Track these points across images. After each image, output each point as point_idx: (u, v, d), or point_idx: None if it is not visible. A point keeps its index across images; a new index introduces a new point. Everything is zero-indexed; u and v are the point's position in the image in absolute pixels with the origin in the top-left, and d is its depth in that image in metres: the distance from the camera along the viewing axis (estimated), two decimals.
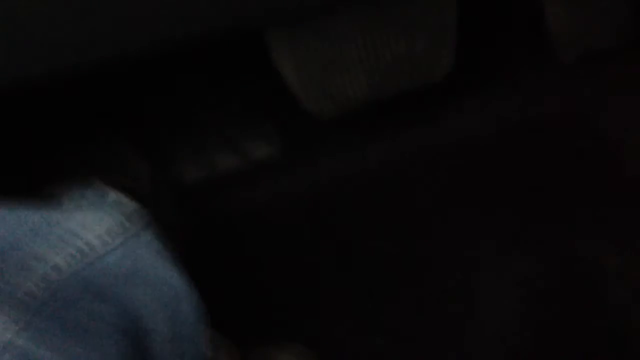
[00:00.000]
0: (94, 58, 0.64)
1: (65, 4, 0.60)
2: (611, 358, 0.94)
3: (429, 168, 1.08)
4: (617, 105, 1.07)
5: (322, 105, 0.86)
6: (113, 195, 0.67)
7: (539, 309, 0.98)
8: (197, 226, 1.03)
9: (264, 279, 1.02)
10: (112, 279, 0.58)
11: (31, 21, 0.60)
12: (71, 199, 0.69)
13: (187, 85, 1.02)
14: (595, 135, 1.07)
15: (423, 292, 1.00)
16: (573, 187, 1.04)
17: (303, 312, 0.98)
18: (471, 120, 1.07)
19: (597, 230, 1.00)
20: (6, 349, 0.52)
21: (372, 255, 1.02)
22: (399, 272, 1.01)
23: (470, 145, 1.07)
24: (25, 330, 0.53)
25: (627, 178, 1.04)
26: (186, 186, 1.03)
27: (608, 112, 1.07)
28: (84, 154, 0.88)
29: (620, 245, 0.99)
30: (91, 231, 0.59)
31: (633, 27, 0.96)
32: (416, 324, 0.98)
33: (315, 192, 1.08)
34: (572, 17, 0.93)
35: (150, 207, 0.85)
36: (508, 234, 1.02)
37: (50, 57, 0.63)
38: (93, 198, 0.69)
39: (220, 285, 0.99)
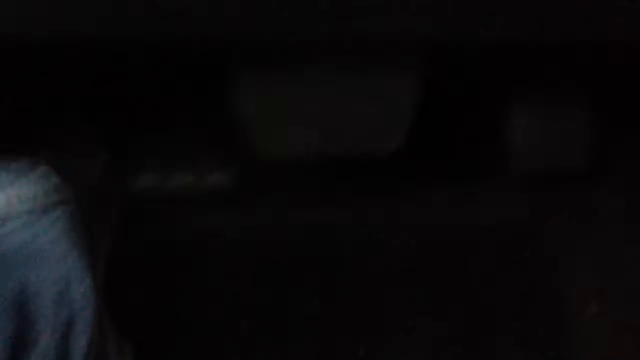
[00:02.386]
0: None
1: None
2: None
3: (374, 243, 1.10)
4: (560, 227, 1.09)
5: (270, 148, 0.88)
6: (43, 168, 0.69)
7: None
8: (132, 235, 1.05)
9: (183, 305, 1.04)
10: (4, 246, 0.59)
11: None
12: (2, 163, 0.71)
13: (163, 95, 1.05)
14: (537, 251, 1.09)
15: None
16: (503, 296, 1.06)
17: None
18: (418, 207, 1.10)
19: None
20: None
21: (304, 312, 1.04)
22: (326, 328, 1.03)
23: (414, 232, 1.10)
24: None
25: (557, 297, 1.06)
26: (134, 192, 1.05)
27: (550, 232, 1.09)
28: (43, 124, 0.90)
29: None
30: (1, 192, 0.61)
31: (597, 153, 0.98)
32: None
33: (262, 234, 1.10)
34: (532, 133, 0.95)
35: (92, 194, 0.87)
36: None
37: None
38: (23, 167, 0.70)
39: (142, 301, 1.01)
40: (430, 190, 1.11)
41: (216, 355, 0.99)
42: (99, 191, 0.90)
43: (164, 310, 1.01)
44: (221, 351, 1.00)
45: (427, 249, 1.09)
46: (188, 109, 1.04)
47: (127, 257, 0.98)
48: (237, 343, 1.01)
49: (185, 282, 1.05)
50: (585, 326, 0.99)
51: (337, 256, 1.08)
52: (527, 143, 0.97)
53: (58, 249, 0.64)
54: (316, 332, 1.02)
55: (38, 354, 0.64)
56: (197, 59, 0.99)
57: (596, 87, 0.96)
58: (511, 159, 0.98)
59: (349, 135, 0.88)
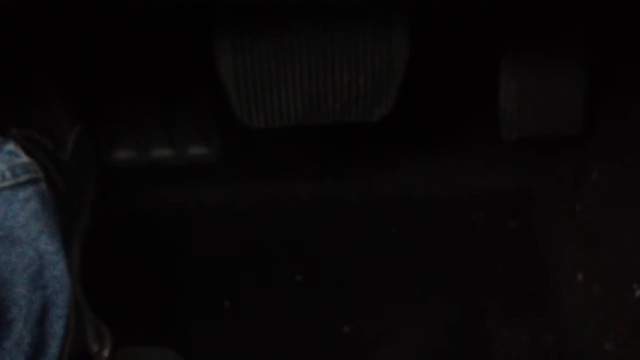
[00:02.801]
0: None
1: None
2: None
3: (359, 214, 1.08)
4: (546, 197, 1.08)
5: (253, 115, 0.86)
6: (11, 146, 0.66)
7: None
8: (114, 209, 1.03)
9: (161, 276, 1.01)
10: None
11: None
12: None
13: (142, 70, 1.02)
14: (524, 219, 1.08)
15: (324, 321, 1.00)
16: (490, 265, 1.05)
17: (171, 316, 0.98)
18: (405, 178, 1.08)
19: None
20: None
21: (286, 284, 1.02)
22: (307, 302, 1.01)
23: (402, 203, 1.08)
24: None
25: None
26: (113, 164, 1.02)
27: (535, 199, 1.08)
28: (12, 101, 0.87)
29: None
30: None
31: (580, 120, 0.97)
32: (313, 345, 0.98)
33: (245, 207, 1.07)
34: (522, 98, 0.94)
35: (65, 171, 0.84)
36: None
37: None
38: None
39: (117, 273, 0.99)
40: (416, 159, 1.10)
41: (200, 335, 0.97)
42: (72, 167, 0.87)
43: (144, 289, 0.99)
44: (204, 331, 0.98)
45: (412, 221, 1.08)
46: (166, 79, 1.02)
47: (105, 234, 0.96)
48: (220, 322, 0.99)
49: (166, 259, 1.03)
50: (570, 296, 0.99)
51: (321, 231, 1.07)
52: (514, 110, 0.95)
53: (29, 231, 0.61)
54: (300, 309, 1.00)
55: (12, 341, 0.61)
56: (175, 27, 0.96)
57: (586, 49, 0.94)
58: (499, 127, 0.96)
59: (334, 104, 0.86)
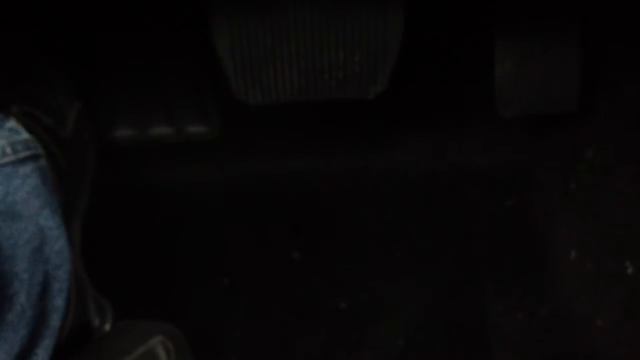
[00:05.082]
0: None
1: None
2: None
3: (357, 191, 1.09)
4: (542, 176, 1.09)
5: (249, 91, 0.86)
6: (12, 123, 0.67)
7: None
8: (115, 186, 1.03)
9: (162, 255, 1.02)
10: None
11: None
12: None
13: (141, 48, 1.03)
14: (520, 197, 1.09)
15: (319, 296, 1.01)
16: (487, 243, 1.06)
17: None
18: (402, 156, 1.09)
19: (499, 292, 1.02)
20: None
21: (284, 261, 1.03)
22: (305, 279, 1.02)
23: (398, 180, 1.09)
24: None
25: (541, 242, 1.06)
26: (113, 142, 1.03)
27: (533, 177, 1.09)
28: (12, 79, 0.87)
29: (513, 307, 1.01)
30: None
31: (575, 99, 0.97)
32: (311, 322, 0.99)
33: (244, 185, 1.08)
34: (518, 76, 0.94)
35: (66, 148, 0.85)
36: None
37: None
38: None
39: (118, 249, 1.00)
40: (414, 136, 1.10)
41: (199, 312, 0.98)
42: (73, 144, 0.88)
43: (144, 265, 1.00)
44: (203, 306, 0.99)
45: (409, 198, 1.09)
46: (165, 57, 1.02)
47: (106, 210, 0.96)
48: (219, 298, 1.00)
49: (165, 236, 1.04)
50: (564, 273, 1.00)
51: (319, 207, 1.08)
52: (510, 87, 0.95)
53: (30, 206, 0.62)
54: (297, 286, 1.02)
55: (14, 314, 0.62)
56: (172, 5, 0.96)
57: (580, 27, 0.94)
58: (498, 104, 0.97)
59: (330, 80, 0.86)
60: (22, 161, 0.63)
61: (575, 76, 0.94)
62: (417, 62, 0.97)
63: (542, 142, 1.09)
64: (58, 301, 0.66)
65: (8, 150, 0.62)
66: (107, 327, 0.76)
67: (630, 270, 0.91)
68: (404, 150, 1.10)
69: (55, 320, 0.65)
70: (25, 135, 0.65)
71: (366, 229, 1.07)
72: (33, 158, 0.64)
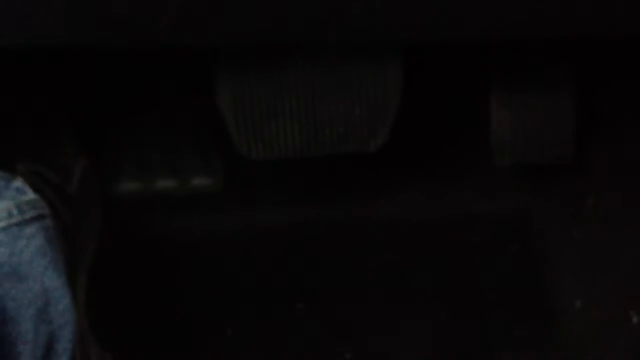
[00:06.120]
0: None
1: None
2: None
3: (358, 240, 1.09)
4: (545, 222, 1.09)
5: (252, 146, 0.87)
6: (18, 183, 0.67)
7: None
8: (119, 238, 1.03)
9: (163, 308, 1.02)
10: None
11: None
12: None
13: (146, 103, 1.04)
14: (522, 245, 1.09)
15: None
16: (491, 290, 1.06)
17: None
18: (403, 205, 1.09)
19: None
20: None
21: (288, 312, 1.03)
22: (309, 329, 1.02)
23: (399, 229, 1.09)
24: None
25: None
26: (118, 196, 1.03)
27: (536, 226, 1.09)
28: (19, 137, 0.88)
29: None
30: None
31: (570, 147, 0.98)
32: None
33: (247, 236, 1.08)
34: (514, 126, 0.95)
35: (72, 204, 0.85)
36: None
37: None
38: None
39: (121, 302, 0.99)
40: (414, 185, 1.11)
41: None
42: (78, 200, 0.88)
43: (147, 318, 1.00)
44: (207, 358, 0.98)
45: (410, 246, 1.09)
46: (169, 111, 1.03)
47: (110, 264, 0.96)
48: (222, 350, 0.99)
49: (169, 289, 1.03)
50: (569, 322, 0.99)
51: (321, 256, 1.08)
52: (506, 138, 0.96)
53: (35, 266, 0.62)
54: (301, 335, 1.01)
55: None
56: (177, 62, 0.97)
57: (578, 80, 0.95)
58: (495, 153, 0.97)
59: (331, 134, 0.87)
60: (27, 222, 0.63)
61: (570, 126, 0.95)
62: (416, 112, 0.98)
63: (542, 190, 1.10)
64: None
65: (14, 211, 0.62)
66: None
67: (635, 320, 0.91)
68: (404, 198, 1.10)
69: None
70: (31, 195, 0.65)
71: (368, 278, 1.06)
72: (39, 218, 0.65)
